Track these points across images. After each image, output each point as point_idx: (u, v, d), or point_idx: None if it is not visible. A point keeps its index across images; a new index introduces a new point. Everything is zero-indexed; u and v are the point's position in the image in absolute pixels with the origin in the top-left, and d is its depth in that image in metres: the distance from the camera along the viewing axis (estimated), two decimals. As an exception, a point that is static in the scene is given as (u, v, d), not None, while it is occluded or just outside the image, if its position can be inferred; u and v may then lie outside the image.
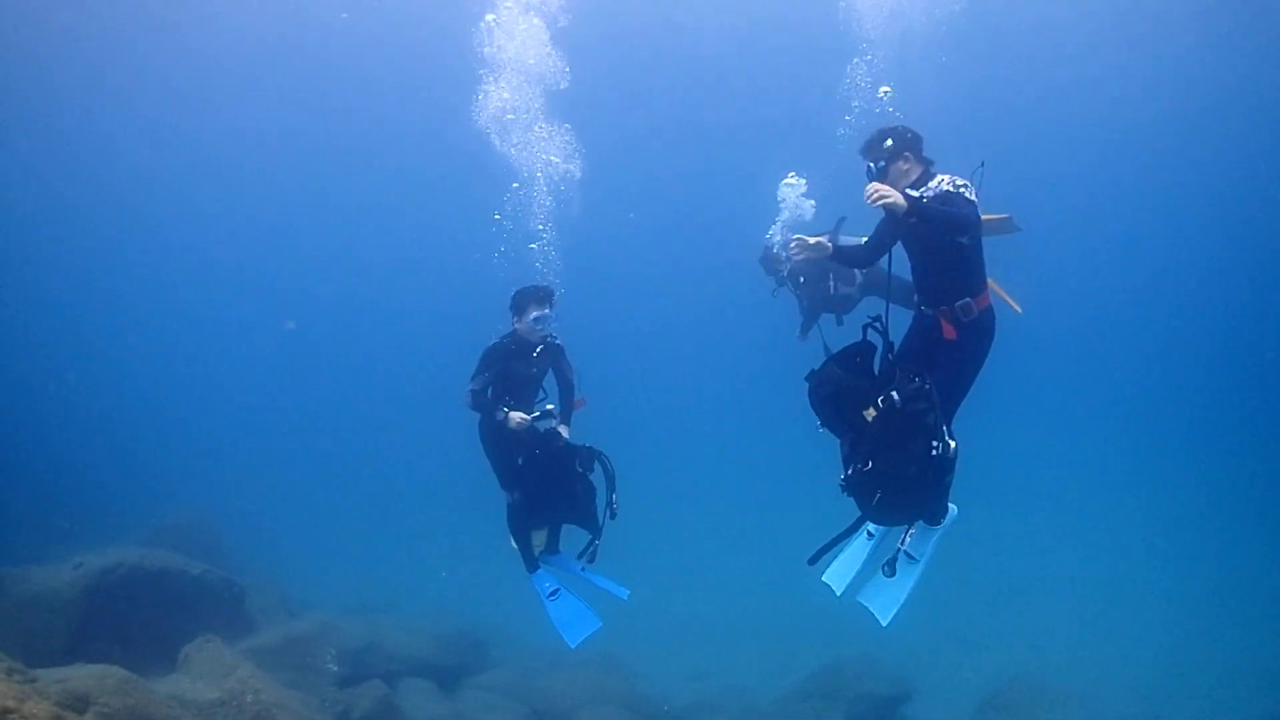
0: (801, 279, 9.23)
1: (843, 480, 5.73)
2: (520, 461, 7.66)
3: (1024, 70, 27.04)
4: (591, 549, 7.86)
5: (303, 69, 28.20)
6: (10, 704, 4.68)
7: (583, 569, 8.04)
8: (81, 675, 7.46)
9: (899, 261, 6.38)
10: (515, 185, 9.77)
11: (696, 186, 32.98)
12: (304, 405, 36.14)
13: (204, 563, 13.07)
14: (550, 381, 8.06)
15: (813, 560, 6.44)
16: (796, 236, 6.66)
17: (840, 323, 9.33)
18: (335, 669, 12.01)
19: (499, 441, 7.69)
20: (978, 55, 22.88)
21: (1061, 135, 29.63)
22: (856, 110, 7.40)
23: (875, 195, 5.34)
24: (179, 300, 39.73)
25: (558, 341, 7.94)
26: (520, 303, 7.70)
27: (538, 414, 7.64)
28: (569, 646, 7.84)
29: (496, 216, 9.30)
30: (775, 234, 9.55)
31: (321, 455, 30.00)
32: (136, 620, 11.32)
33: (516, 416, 7.40)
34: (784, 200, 9.61)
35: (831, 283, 9.16)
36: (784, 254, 9.18)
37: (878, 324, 5.71)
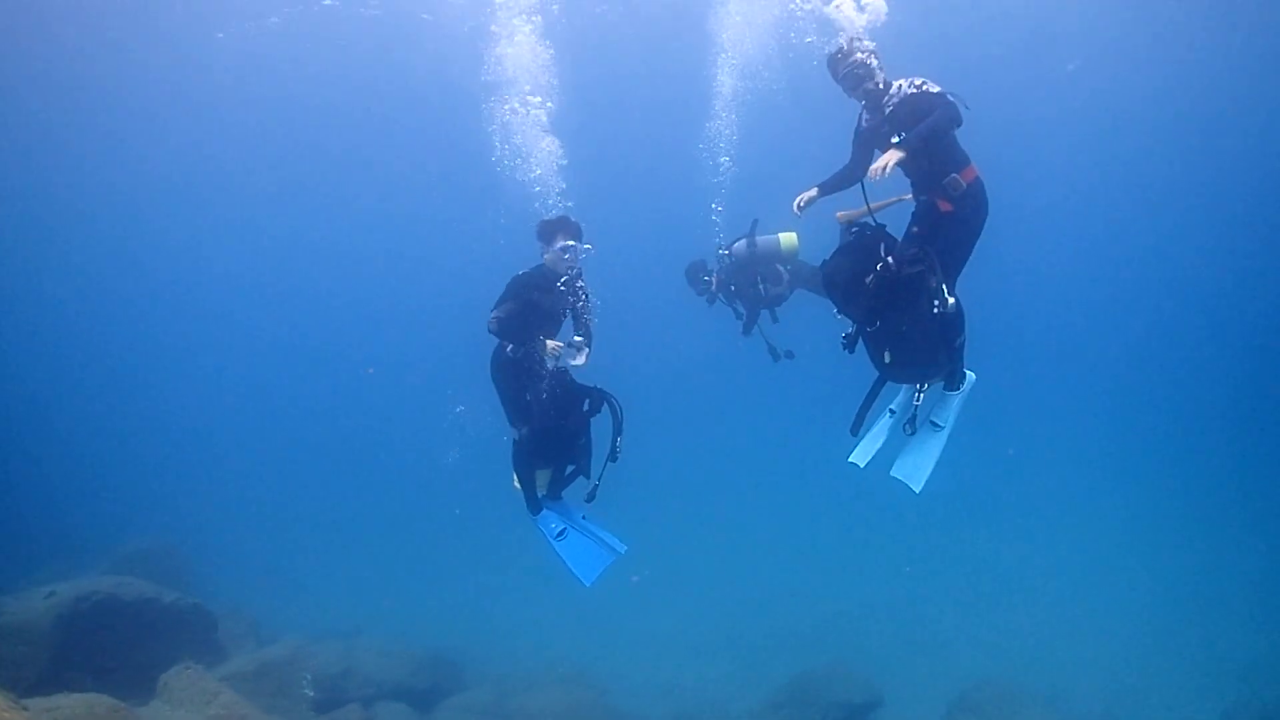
0: (733, 287, 9.63)
1: (844, 337, 6.35)
2: (529, 397, 7.48)
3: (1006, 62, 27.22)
4: (591, 490, 7.73)
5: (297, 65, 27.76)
6: (21, 728, 4.71)
7: (583, 517, 7.95)
8: (71, 703, 7.46)
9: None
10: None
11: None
12: (263, 431, 35.81)
13: (174, 590, 12.99)
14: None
15: (854, 429, 6.96)
16: (801, 197, 7.05)
17: (775, 319, 9.88)
18: (311, 694, 11.96)
19: (512, 374, 7.50)
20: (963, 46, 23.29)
21: (1048, 129, 29.99)
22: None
23: (877, 172, 6.01)
24: (134, 325, 39.30)
25: (582, 284, 7.62)
26: (548, 231, 7.44)
27: (569, 343, 7.41)
28: (584, 585, 7.59)
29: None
30: (722, 248, 9.84)
31: (284, 481, 29.72)
32: (110, 649, 11.24)
33: (552, 344, 7.20)
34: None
35: (761, 285, 9.58)
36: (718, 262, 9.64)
37: (854, 226, 6.35)
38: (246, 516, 24.52)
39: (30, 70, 25.11)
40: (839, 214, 6.99)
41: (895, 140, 6.14)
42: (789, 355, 10.02)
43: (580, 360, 7.43)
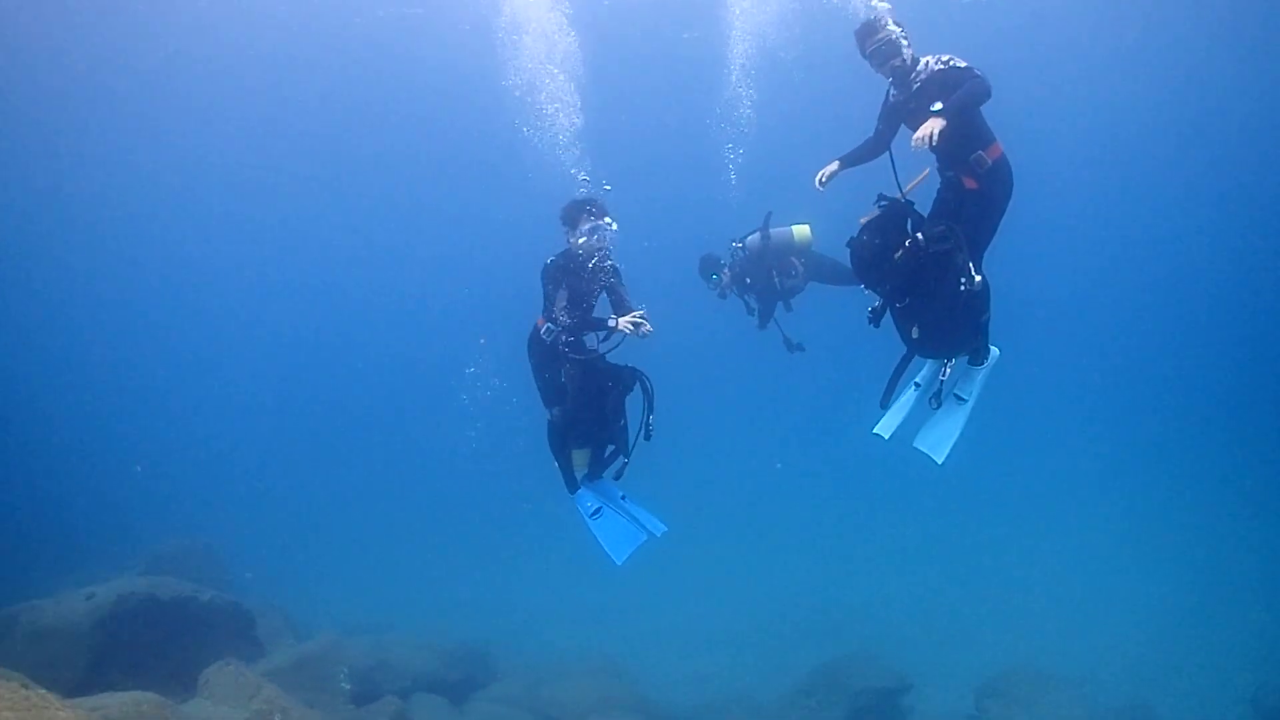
0: (747, 280, 9.71)
1: (870, 311, 6.51)
2: (564, 378, 7.55)
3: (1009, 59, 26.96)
4: (620, 468, 7.88)
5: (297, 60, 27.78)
6: (82, 729, 4.84)
7: (623, 497, 8.04)
8: (117, 702, 7.63)
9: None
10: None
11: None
12: (286, 427, 36.00)
13: (210, 588, 13.17)
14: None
15: (884, 403, 7.17)
16: (824, 171, 7.10)
17: (789, 308, 9.99)
18: (348, 688, 12.11)
19: (547, 355, 7.58)
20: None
21: (1047, 126, 29.83)
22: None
23: (922, 141, 6.02)
24: (160, 321, 39.51)
25: (613, 263, 7.65)
26: (573, 215, 7.49)
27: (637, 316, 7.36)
28: (615, 564, 7.66)
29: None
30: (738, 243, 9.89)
31: (311, 475, 29.92)
32: (150, 648, 11.41)
33: (624, 320, 7.22)
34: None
35: (776, 278, 9.69)
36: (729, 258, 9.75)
37: (883, 198, 6.37)
38: (273, 513, 24.74)
39: (32, 61, 25.27)
40: (863, 219, 7.11)
41: (935, 108, 6.16)
42: (800, 348, 10.11)
43: (646, 329, 7.34)
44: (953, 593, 17.44)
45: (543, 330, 7.50)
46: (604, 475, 8.10)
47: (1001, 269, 6.81)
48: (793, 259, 9.70)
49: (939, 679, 14.12)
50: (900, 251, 6.18)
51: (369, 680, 12.78)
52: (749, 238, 9.68)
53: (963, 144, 6.42)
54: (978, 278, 6.21)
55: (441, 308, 38.69)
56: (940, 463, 7.11)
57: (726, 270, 9.78)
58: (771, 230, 9.63)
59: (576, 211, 7.49)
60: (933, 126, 6.01)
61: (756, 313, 9.99)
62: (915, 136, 6.09)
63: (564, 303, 7.35)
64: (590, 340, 7.62)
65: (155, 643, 11.46)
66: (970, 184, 6.54)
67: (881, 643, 14.89)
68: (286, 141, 32.77)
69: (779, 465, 15.84)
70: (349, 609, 17.59)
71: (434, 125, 31.59)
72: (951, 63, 6.46)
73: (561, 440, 7.78)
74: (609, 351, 7.60)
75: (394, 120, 32.11)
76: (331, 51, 26.58)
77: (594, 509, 7.85)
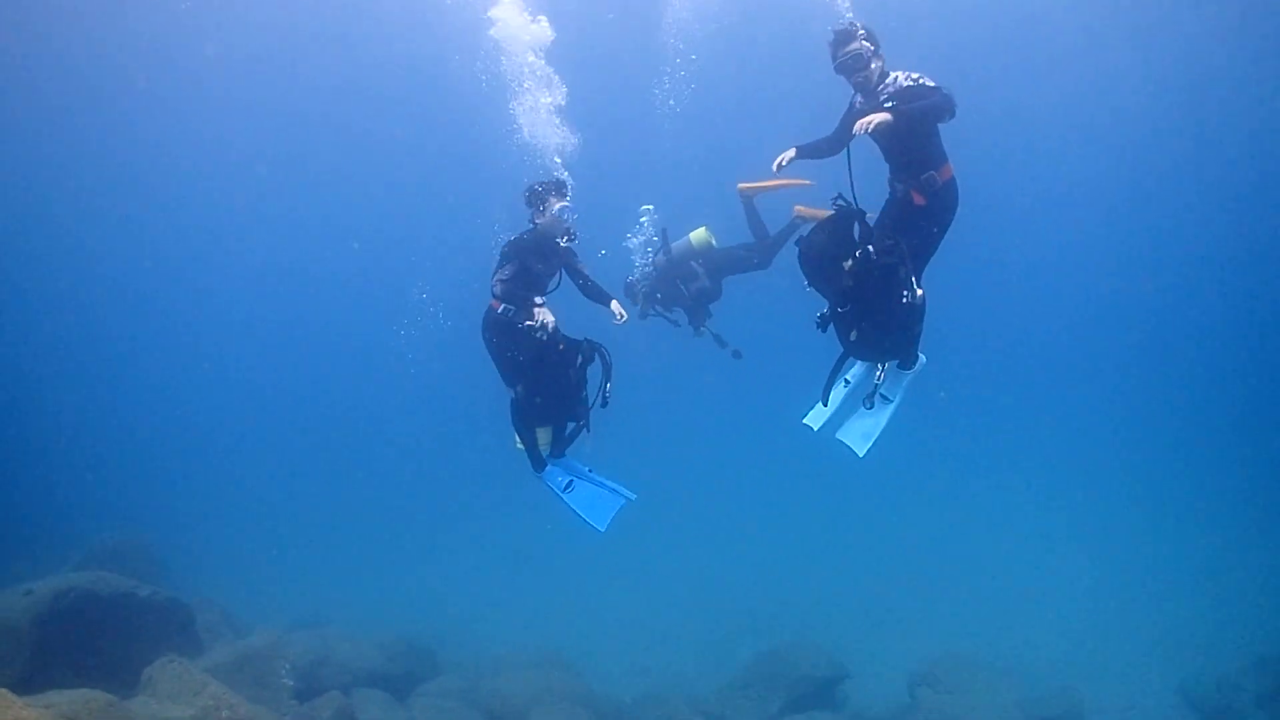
0: (659, 295, 10.01)
1: (819, 316, 6.75)
2: (521, 357, 7.59)
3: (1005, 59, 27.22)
4: (574, 435, 8.01)
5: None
6: (42, 724, 4.87)
7: (589, 469, 8.14)
8: (66, 700, 7.59)
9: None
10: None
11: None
12: (226, 418, 35.40)
13: (149, 584, 13.02)
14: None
15: (824, 399, 7.53)
16: (782, 156, 7.35)
17: (709, 314, 10.23)
18: (290, 683, 12.09)
19: (505, 334, 7.61)
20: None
21: (1050, 127, 30.16)
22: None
23: (864, 127, 6.28)
24: (94, 315, 38.59)
25: (571, 244, 7.83)
26: (540, 196, 7.62)
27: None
28: (598, 531, 7.74)
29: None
30: (637, 261, 10.16)
31: (246, 470, 29.47)
32: (90, 645, 11.26)
33: (548, 318, 7.41)
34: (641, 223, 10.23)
35: (682, 286, 9.97)
36: (641, 281, 10.02)
37: (840, 199, 6.60)
38: (208, 507, 24.38)
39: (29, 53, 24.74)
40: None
41: (888, 105, 6.44)
42: (737, 355, 10.32)
43: (621, 315, 7.76)
44: (892, 583, 17.79)
45: (500, 310, 7.56)
46: (567, 451, 8.20)
47: (942, 272, 7.08)
48: (692, 264, 9.94)
49: (875, 667, 14.52)
50: (850, 261, 6.43)
51: (311, 676, 12.74)
52: (656, 257, 9.94)
53: (917, 159, 6.70)
54: (919, 291, 6.54)
55: (377, 296, 38.30)
56: (861, 456, 7.47)
57: (639, 292, 10.02)
58: (672, 245, 9.92)
59: (545, 192, 7.64)
60: (875, 118, 6.25)
61: (686, 322, 10.24)
62: (858, 123, 6.33)
63: (507, 274, 7.47)
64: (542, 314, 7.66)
65: (95, 639, 11.30)
66: (919, 200, 6.80)
67: (820, 632, 15.20)
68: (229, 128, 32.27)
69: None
70: (286, 604, 17.48)
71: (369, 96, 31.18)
72: (921, 80, 6.65)
73: (526, 417, 7.84)
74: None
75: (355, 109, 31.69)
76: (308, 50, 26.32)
77: (565, 483, 7.95)
